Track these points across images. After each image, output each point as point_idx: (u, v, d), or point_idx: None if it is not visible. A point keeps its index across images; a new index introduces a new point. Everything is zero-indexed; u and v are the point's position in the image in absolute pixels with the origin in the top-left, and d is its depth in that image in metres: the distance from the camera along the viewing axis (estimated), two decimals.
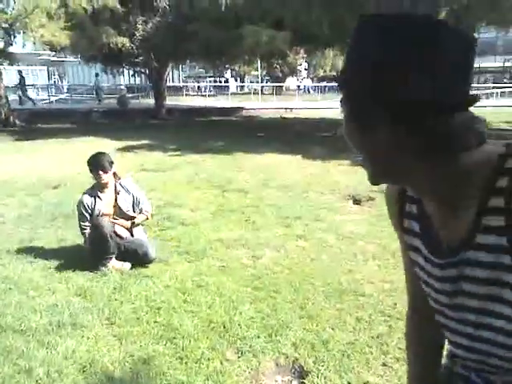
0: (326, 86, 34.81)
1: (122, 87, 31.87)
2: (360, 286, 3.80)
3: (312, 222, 5.45)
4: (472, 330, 0.88)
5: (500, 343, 0.85)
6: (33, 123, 17.79)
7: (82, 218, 4.21)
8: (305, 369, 2.76)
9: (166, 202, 6.31)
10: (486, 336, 0.86)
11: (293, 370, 2.77)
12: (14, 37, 15.37)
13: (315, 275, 3.99)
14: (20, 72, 25.35)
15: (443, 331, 0.96)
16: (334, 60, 39.33)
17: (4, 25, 13.41)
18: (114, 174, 4.27)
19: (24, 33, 13.57)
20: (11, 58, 16.17)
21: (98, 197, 4.18)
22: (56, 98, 30.60)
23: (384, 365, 2.77)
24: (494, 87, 29.64)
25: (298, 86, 33.91)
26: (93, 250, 4.06)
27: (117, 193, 4.23)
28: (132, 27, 15.05)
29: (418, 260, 0.95)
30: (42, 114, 19.82)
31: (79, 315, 3.28)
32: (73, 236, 4.83)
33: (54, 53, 23.51)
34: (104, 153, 4.35)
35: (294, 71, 37.63)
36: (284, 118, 19.12)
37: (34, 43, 14.06)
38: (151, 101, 23.17)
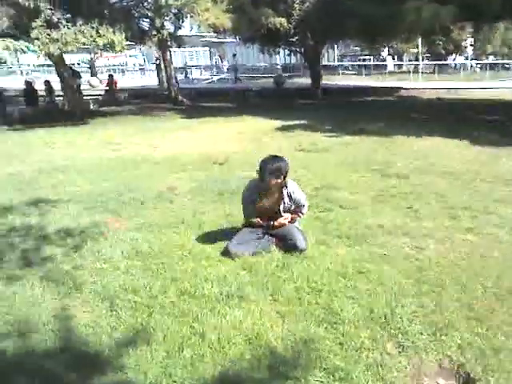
0: (496, 64, 31.58)
1: (278, 67, 32.69)
2: None
3: (482, 214, 5.04)
4: None
5: None
6: (197, 101, 19.19)
7: (246, 211, 4.38)
8: (471, 376, 2.59)
9: (324, 183, 6.35)
10: None
11: (457, 376, 2.62)
12: (183, 21, 16.62)
13: (485, 274, 3.70)
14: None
15: None
16: (504, 34, 35.33)
17: (174, 10, 14.56)
18: (283, 179, 4.13)
19: (191, 17, 14.59)
20: (180, 41, 17.54)
21: (263, 194, 4.21)
22: (217, 77, 32.47)
23: None
24: None
25: (455, 64, 31.18)
26: None
27: (281, 197, 4.21)
28: (289, 7, 15.22)
29: None
30: (204, 93, 21.28)
31: (245, 288, 3.49)
32: (238, 212, 5.08)
33: (215, 34, 24.82)
34: (278, 159, 4.08)
35: (458, 48, 34.60)
36: (439, 99, 17.74)
37: (199, 26, 15.02)
38: (306, 80, 23.33)
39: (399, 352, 2.76)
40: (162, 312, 3.21)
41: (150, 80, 29.73)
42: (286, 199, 4.23)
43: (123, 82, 26.59)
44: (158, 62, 27.43)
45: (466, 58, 34.47)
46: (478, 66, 32.94)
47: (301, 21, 15.32)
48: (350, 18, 13.06)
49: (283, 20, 15.17)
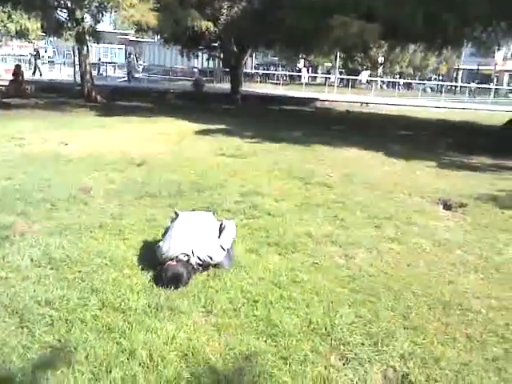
0: (398, 83, 33.70)
1: (196, 70, 32.41)
2: (465, 299, 3.53)
3: (403, 224, 5.17)
4: None
5: None
6: (112, 100, 18.34)
7: None
8: None
9: (249, 189, 6.21)
10: None
11: None
12: (103, 15, 15.87)
13: (414, 283, 3.75)
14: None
15: None
16: (411, 56, 38.01)
17: (96, 3, 13.80)
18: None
19: (115, 12, 13.93)
20: (98, 36, 16.71)
21: None
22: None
23: None
24: None
25: (368, 81, 32.94)
26: None
27: None
28: (216, 12, 15.06)
29: None
30: (120, 92, 20.41)
31: (175, 300, 3.22)
32: (162, 217, 4.83)
33: (132, 32, 24.10)
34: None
35: (374, 65, 36.55)
36: (348, 111, 18.57)
37: (123, 22, 14.42)
38: (224, 85, 23.32)
39: (343, 364, 2.67)
40: (82, 327, 2.86)
41: (60, 74, 28.08)
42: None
43: (30, 74, 24.83)
44: (35, 53, 26.49)
45: (376, 76, 36.45)
46: (384, 83, 35.07)
47: (227, 26, 15.19)
48: (278, 27, 13.17)
49: (210, 24, 14.95)
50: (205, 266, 3.69)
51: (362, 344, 2.86)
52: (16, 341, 2.70)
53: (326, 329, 2.99)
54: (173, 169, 7.19)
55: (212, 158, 8.33)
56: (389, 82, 35.36)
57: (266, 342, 2.82)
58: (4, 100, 16.08)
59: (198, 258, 3.62)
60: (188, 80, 26.70)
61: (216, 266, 3.75)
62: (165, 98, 19.64)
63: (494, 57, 38.87)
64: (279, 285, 3.54)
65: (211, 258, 3.67)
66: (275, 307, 3.21)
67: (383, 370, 2.65)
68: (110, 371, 2.48)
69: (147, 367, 2.54)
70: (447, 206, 6.03)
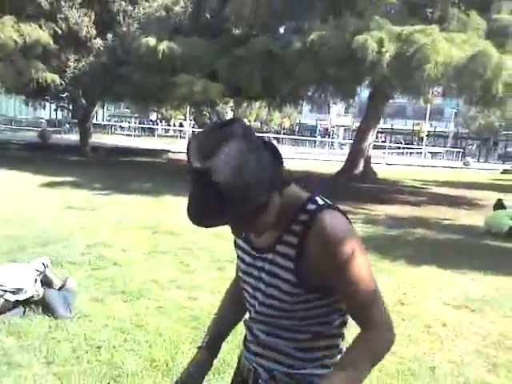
0: None
1: (43, 120, 31.01)
2: None
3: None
4: (259, 308, 1.33)
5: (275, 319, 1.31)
6: None
7: None
8: None
9: (96, 241, 6.25)
10: (266, 312, 1.32)
11: None
12: None
13: None
14: None
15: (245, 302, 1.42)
16: (258, 111, 41.04)
17: None
18: None
19: None
20: None
21: None
22: None
23: None
24: (404, 147, 33.02)
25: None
26: None
27: None
28: (63, 64, 14.82)
29: (239, 254, 1.41)
30: None
31: (14, 355, 3.20)
32: None
33: None
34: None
35: (221, 119, 38.66)
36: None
37: None
38: (74, 137, 22.68)
39: None
40: None
41: None
42: None
43: None
44: None
45: None
46: None
47: (73, 79, 14.99)
48: (125, 82, 13.43)
49: (55, 76, 14.56)
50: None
51: None
52: None
53: (167, 365, 3.22)
54: (14, 223, 6.90)
55: (58, 211, 8.14)
56: None
57: (109, 383, 2.96)
58: None
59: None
60: (34, 130, 25.40)
61: (55, 316, 3.78)
62: (6, 150, 18.42)
63: (329, 113, 43.80)
64: (123, 330, 3.70)
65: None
66: (119, 351, 3.36)
67: None
68: None
69: None
70: None
